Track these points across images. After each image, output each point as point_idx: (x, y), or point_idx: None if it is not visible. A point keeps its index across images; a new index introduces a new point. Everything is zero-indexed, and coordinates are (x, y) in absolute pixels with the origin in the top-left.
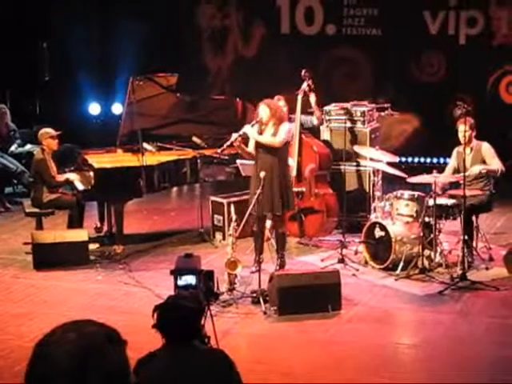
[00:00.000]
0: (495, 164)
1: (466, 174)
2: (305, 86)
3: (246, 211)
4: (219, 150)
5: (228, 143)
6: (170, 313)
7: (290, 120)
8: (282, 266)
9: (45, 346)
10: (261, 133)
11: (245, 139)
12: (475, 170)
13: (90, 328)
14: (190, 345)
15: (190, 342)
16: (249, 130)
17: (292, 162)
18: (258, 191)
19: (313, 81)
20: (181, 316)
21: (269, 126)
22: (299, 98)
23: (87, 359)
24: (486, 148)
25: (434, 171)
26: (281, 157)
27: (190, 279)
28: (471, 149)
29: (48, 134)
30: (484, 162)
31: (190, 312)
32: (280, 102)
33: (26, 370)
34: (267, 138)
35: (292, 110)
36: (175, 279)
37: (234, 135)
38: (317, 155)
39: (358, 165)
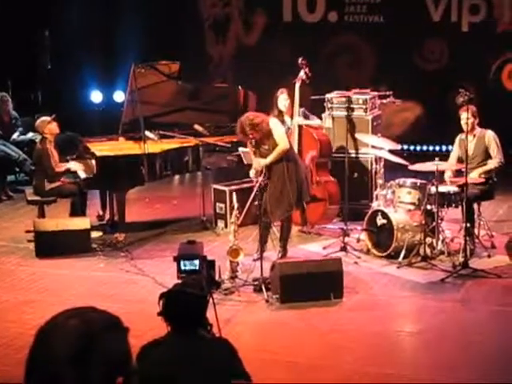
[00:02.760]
0: (494, 159)
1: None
2: (302, 74)
3: (248, 199)
4: (252, 202)
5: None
6: (175, 300)
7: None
8: (283, 255)
9: (47, 332)
10: (258, 148)
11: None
12: (474, 175)
13: (92, 315)
14: (194, 332)
15: (194, 329)
16: (258, 163)
17: None
18: (260, 179)
19: (310, 69)
20: (187, 304)
21: (262, 139)
22: (297, 86)
23: (89, 345)
24: (490, 136)
25: (436, 159)
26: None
27: (192, 264)
28: (474, 136)
29: (46, 121)
30: (487, 149)
31: (196, 299)
32: (282, 95)
33: (28, 356)
34: (276, 154)
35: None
36: (178, 265)
37: (252, 177)
38: (317, 142)
39: (360, 152)
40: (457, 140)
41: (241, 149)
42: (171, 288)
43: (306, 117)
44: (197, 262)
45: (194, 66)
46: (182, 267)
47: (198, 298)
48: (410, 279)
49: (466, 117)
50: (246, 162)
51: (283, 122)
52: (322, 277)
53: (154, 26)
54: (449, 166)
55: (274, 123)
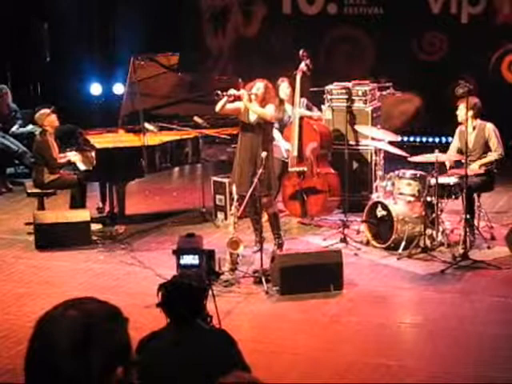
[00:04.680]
0: (494, 151)
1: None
2: (303, 65)
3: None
4: (219, 92)
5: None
6: (174, 292)
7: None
8: (280, 245)
9: (46, 323)
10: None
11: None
12: (473, 167)
13: (92, 305)
14: (193, 324)
15: (193, 321)
16: (245, 94)
17: (288, 145)
18: (260, 171)
19: (311, 61)
20: (185, 295)
21: (255, 103)
22: (298, 77)
23: (88, 336)
24: (490, 129)
25: (436, 150)
26: (266, 137)
27: (192, 259)
28: (474, 128)
29: (45, 114)
30: (487, 142)
31: (194, 291)
32: (284, 84)
33: (28, 347)
34: (261, 110)
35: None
36: (177, 259)
37: (233, 90)
38: (318, 134)
39: (360, 144)
40: (457, 131)
41: None
42: (170, 279)
43: (308, 108)
44: (196, 256)
45: (194, 57)
46: (182, 262)
47: (197, 289)
48: (410, 271)
49: (460, 108)
50: None
51: (284, 110)
52: (322, 268)
53: (154, 18)
54: (448, 158)
55: (272, 106)
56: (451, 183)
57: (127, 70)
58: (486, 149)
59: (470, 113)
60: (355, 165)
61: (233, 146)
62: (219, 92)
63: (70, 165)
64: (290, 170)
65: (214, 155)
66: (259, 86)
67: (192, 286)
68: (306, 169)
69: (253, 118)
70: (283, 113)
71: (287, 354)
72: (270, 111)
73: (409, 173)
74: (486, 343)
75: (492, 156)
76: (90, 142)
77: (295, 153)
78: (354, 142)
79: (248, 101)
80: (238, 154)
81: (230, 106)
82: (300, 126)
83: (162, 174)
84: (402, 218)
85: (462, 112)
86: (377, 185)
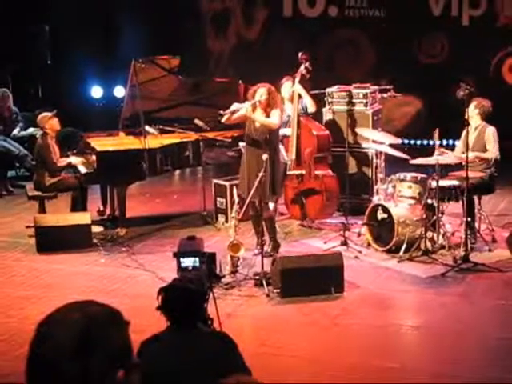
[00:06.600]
0: (490, 151)
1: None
2: (302, 68)
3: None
4: (222, 118)
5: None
6: (174, 295)
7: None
8: (275, 248)
9: (47, 325)
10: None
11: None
12: (470, 155)
13: (93, 308)
14: (193, 327)
15: (193, 324)
16: (247, 106)
17: (284, 147)
18: (261, 174)
19: (310, 63)
20: (185, 298)
21: (259, 110)
22: (297, 80)
23: (90, 339)
24: (490, 132)
25: (436, 152)
26: (273, 143)
27: (192, 261)
28: (476, 128)
29: (47, 117)
30: (485, 144)
31: (194, 294)
32: (288, 83)
33: (29, 350)
34: (266, 120)
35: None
36: (178, 261)
37: (236, 105)
38: (315, 138)
39: (361, 147)
40: (464, 131)
41: (241, 143)
42: (170, 282)
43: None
44: (197, 259)
45: (195, 60)
46: (182, 264)
47: (196, 292)
48: (411, 273)
49: (473, 106)
50: None
51: (283, 109)
52: (323, 271)
53: (155, 20)
54: (448, 159)
55: (278, 110)
56: (452, 186)
57: (128, 72)
58: (485, 151)
59: (476, 111)
60: (356, 167)
61: (234, 148)
62: (222, 112)
63: (71, 168)
64: (288, 172)
65: (214, 158)
66: (262, 91)
67: (191, 289)
68: (304, 172)
69: (258, 124)
70: (284, 112)
71: (288, 356)
72: (275, 120)
73: (409, 175)
74: (488, 345)
75: (488, 154)
76: (91, 144)
77: (293, 156)
78: (354, 145)
79: (252, 112)
80: (244, 162)
81: (235, 116)
82: (298, 129)
83: (163, 177)
84: (403, 220)
85: (470, 109)
86: (378, 187)
